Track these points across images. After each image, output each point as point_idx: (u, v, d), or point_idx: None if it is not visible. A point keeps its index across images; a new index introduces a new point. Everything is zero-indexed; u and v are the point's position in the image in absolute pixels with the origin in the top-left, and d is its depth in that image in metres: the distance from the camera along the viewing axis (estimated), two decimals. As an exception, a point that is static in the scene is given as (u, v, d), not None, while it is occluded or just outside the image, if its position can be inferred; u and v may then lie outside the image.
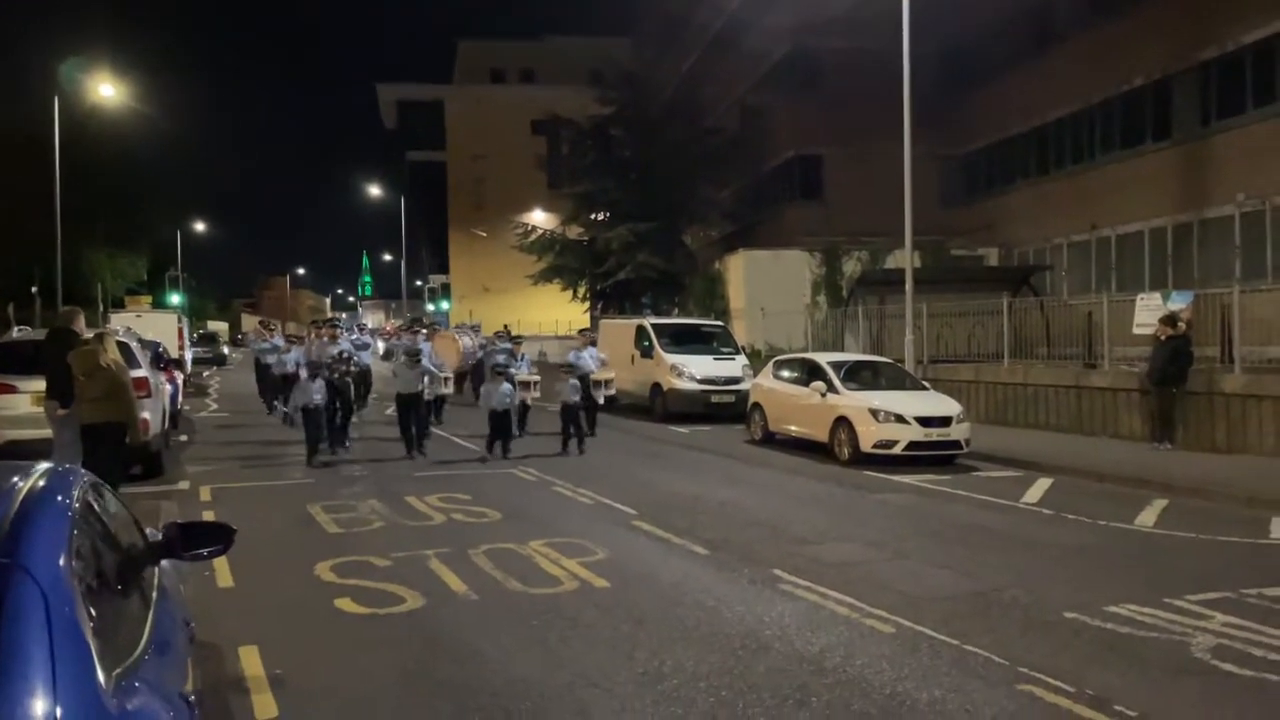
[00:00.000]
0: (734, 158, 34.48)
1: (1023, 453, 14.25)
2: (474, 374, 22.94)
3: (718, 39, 37.32)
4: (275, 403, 19.87)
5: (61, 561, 2.31)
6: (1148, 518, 10.14)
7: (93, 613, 2.29)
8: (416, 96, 67.56)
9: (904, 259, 19.82)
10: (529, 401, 15.89)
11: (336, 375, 14.48)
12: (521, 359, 16.91)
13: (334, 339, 15.97)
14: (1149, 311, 15.25)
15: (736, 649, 5.98)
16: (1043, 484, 12.23)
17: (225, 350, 52.83)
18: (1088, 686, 5.34)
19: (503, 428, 14.11)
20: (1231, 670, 5.60)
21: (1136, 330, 15.45)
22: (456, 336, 22.24)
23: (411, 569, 7.86)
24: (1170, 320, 14.32)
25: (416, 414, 14.47)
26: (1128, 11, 23.98)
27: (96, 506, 3.05)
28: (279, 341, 20.99)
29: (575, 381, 15.21)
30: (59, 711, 1.89)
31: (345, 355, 15.08)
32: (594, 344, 18.36)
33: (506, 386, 14.19)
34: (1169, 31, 22.89)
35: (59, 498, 2.75)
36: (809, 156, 32.51)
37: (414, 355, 14.67)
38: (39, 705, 1.88)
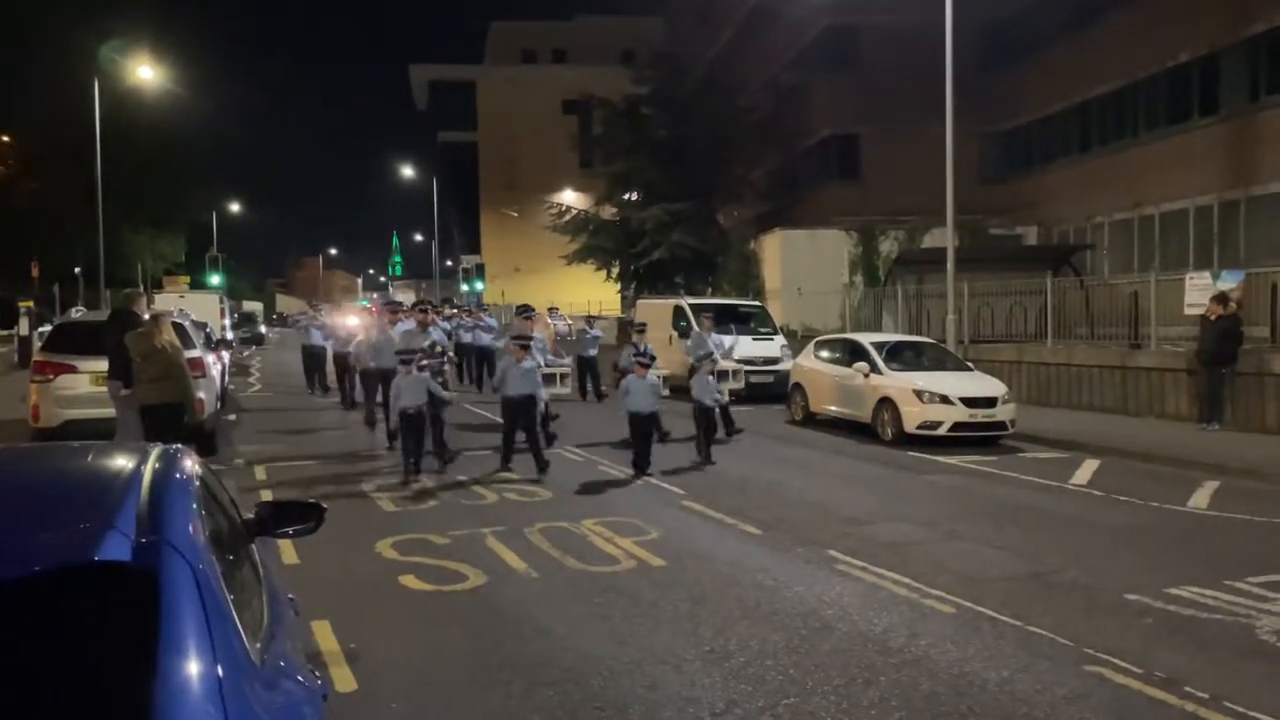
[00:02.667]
0: (769, 137, 34.24)
1: (1068, 434, 14.15)
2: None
3: (752, 16, 37.00)
4: (350, 393, 17.89)
5: (199, 537, 2.40)
6: (1200, 499, 10.06)
7: (228, 587, 2.38)
8: (448, 77, 67.56)
9: (941, 238, 19.66)
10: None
11: (429, 373, 11.70)
12: (644, 349, 13.81)
13: (425, 326, 12.81)
14: (1199, 291, 15.04)
15: (799, 628, 6.03)
16: (1090, 465, 12.15)
17: (263, 329, 53.57)
18: (1156, 668, 5.34)
19: (645, 435, 11.48)
20: (1301, 653, 5.59)
21: (1188, 310, 15.24)
22: (550, 321, 19.00)
23: (470, 547, 7.98)
24: (1221, 299, 14.13)
25: (530, 423, 11.46)
26: (1174, -16, 23.52)
27: (208, 485, 3.14)
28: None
29: (711, 377, 12.76)
30: (221, 674, 1.98)
31: (439, 349, 12.32)
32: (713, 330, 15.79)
33: (653, 378, 11.83)
34: (1216, 6, 22.42)
35: (180, 476, 2.84)
36: (845, 135, 32.22)
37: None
38: (204, 671, 1.97)
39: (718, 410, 13.18)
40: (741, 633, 5.93)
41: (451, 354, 13.15)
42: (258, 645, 2.31)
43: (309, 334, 21.61)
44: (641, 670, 5.34)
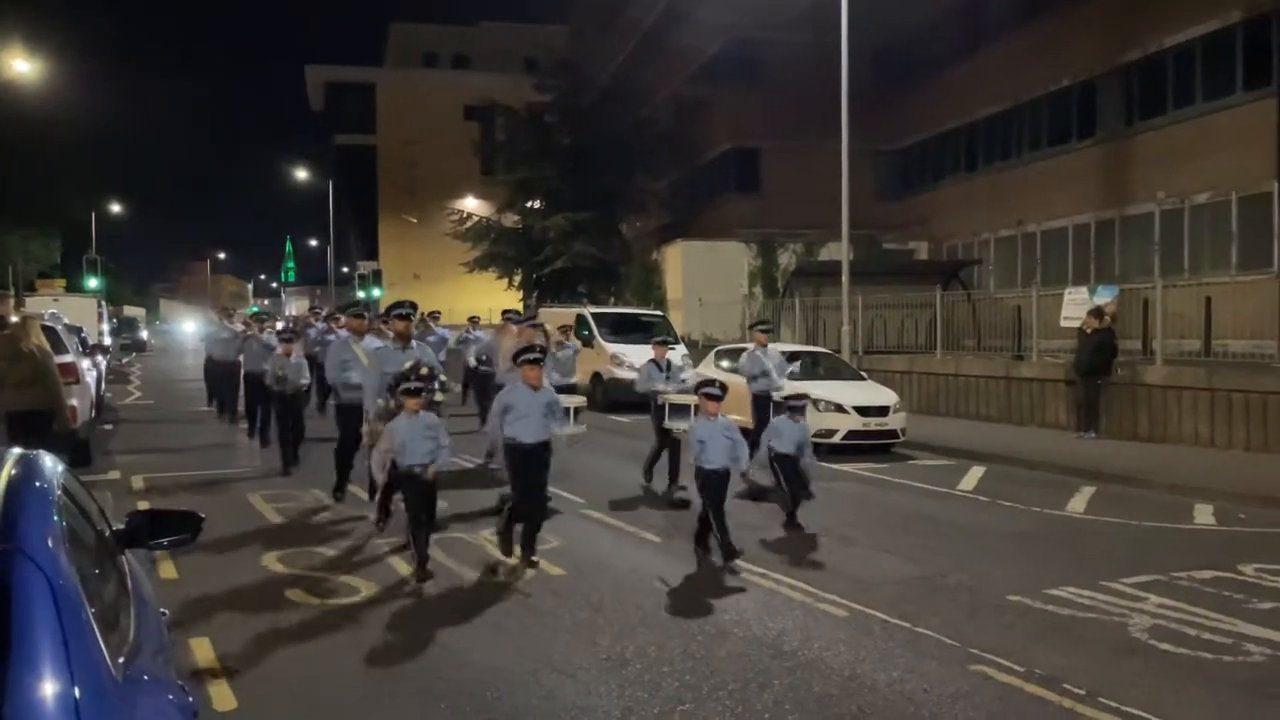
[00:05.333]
0: (672, 148, 34.56)
1: (956, 441, 14.62)
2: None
3: (655, 29, 37.34)
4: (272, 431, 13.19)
5: (57, 547, 2.24)
6: (1078, 504, 10.50)
7: (90, 600, 2.23)
8: (346, 79, 66.04)
9: (838, 251, 20.17)
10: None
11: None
12: (667, 369, 11.29)
13: (404, 338, 9.05)
14: (1076, 305, 15.78)
15: (696, 634, 6.05)
16: (976, 472, 12.57)
17: (144, 335, 51.42)
18: (1036, 666, 5.53)
19: (720, 499, 7.95)
20: (1169, 649, 5.86)
21: (1064, 323, 15.96)
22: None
23: (362, 558, 7.77)
24: (1097, 313, 14.84)
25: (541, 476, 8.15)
26: (1057, 13, 24.68)
27: (71, 492, 2.96)
28: (270, 340, 14.23)
29: (801, 419, 9.58)
30: (78, 694, 1.85)
31: (426, 371, 8.37)
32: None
33: (727, 419, 8.25)
34: (1095, 33, 23.62)
35: (39, 483, 2.66)
36: (746, 149, 32.77)
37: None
38: (59, 690, 1.84)
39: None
40: (639, 640, 5.91)
41: (444, 376, 9.14)
42: (120, 660, 2.17)
43: (223, 346, 17.13)
44: (537, 680, 5.27)
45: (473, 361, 16.49)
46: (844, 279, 18.93)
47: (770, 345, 12.49)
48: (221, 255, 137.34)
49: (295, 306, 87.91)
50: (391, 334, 9.55)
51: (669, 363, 11.33)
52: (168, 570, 7.19)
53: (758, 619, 6.35)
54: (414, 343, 9.21)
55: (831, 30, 18.62)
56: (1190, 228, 21.36)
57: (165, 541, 3.52)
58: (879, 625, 6.24)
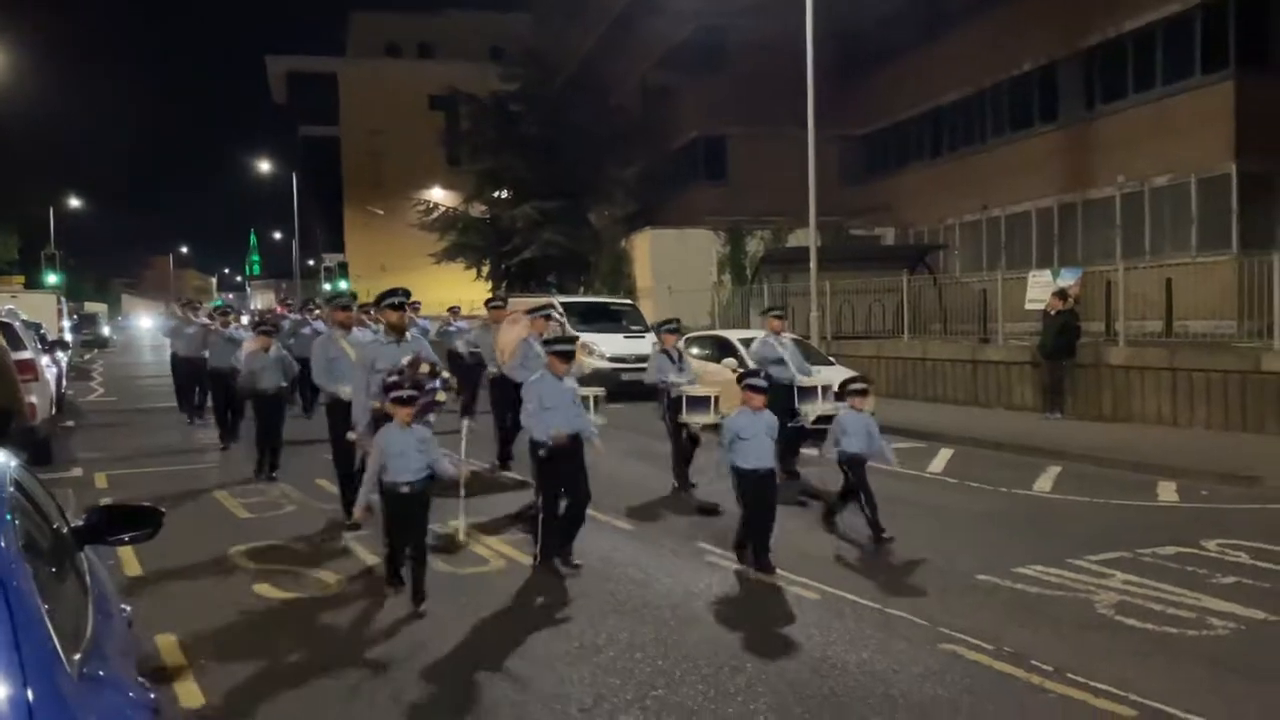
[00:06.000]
0: (639, 137, 34.44)
1: (924, 425, 14.73)
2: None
3: (621, 17, 37.14)
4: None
5: (11, 546, 2.18)
6: (1045, 484, 10.62)
7: (45, 598, 2.18)
8: (308, 69, 65.22)
9: (806, 238, 20.24)
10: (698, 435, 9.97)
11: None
12: (678, 359, 10.63)
13: (398, 331, 7.82)
14: (1040, 287, 15.93)
15: (668, 620, 6.05)
16: (945, 454, 12.67)
17: (106, 331, 50.67)
18: (1005, 644, 5.58)
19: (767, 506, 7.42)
20: (1134, 624, 5.94)
21: (1028, 305, 16.11)
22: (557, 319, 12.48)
23: (330, 552, 7.70)
24: (1061, 295, 14.99)
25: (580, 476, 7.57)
26: (1018, -3, 24.85)
27: (27, 489, 2.89)
28: (236, 333, 13.99)
29: (864, 404, 8.66)
30: (31, 697, 1.80)
31: (432, 368, 7.37)
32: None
33: (770, 415, 7.73)
34: (1056, 17, 23.79)
35: (-9, 480, 2.60)
36: (713, 137, 32.73)
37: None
38: (11, 692, 1.78)
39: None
40: (611, 627, 5.91)
41: (447, 374, 7.81)
42: (76, 659, 2.12)
43: (187, 341, 16.27)
44: (510, 669, 5.25)
45: (462, 348, 15.38)
46: (812, 265, 19.01)
47: (785, 333, 11.55)
48: (184, 249, 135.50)
49: (260, 300, 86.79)
50: (381, 326, 8.37)
51: (680, 352, 10.62)
52: (132, 567, 7.09)
53: (729, 603, 6.37)
54: (409, 334, 8.01)
55: (796, 17, 18.62)
56: (1151, 210, 21.62)
57: (125, 537, 3.46)
58: (850, 607, 6.28)
